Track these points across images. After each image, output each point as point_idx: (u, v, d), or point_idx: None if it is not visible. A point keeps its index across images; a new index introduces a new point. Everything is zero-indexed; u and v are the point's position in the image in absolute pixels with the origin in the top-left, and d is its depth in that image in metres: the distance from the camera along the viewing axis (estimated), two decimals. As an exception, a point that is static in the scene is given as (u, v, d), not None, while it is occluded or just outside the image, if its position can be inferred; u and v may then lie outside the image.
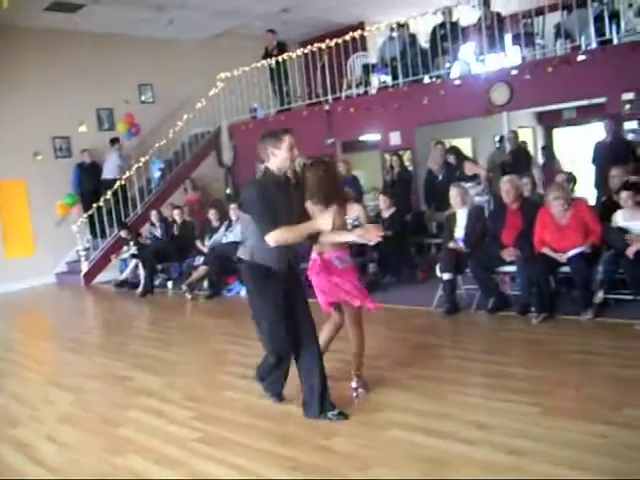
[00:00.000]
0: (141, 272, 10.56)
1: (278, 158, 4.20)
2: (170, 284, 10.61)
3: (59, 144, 13.24)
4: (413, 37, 11.26)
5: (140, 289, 10.37)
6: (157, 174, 13.24)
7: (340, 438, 3.98)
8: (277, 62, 12.52)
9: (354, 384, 4.66)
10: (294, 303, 4.37)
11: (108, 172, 12.98)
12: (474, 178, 9.30)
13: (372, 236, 4.36)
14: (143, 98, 14.43)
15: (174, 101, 13.93)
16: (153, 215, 11.30)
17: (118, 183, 12.36)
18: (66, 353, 7.25)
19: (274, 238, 4.05)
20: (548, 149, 13.92)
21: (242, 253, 4.35)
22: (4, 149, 12.19)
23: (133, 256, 10.87)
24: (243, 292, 9.35)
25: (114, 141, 13.15)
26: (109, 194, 12.28)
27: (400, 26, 11.35)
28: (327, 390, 4.35)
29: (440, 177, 9.62)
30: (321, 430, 4.13)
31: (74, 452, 4.27)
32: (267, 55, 12.91)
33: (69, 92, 12.89)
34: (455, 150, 9.96)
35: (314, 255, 4.77)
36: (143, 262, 10.55)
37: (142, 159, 12.75)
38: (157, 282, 10.78)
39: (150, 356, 6.57)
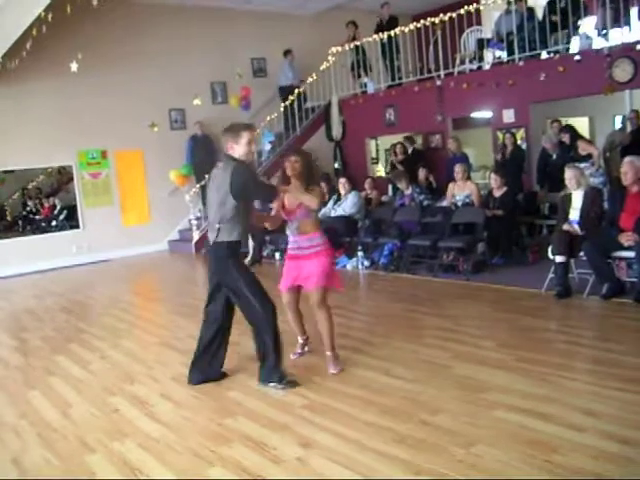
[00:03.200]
0: (250, 242, 10.82)
1: (236, 152, 4.61)
2: (278, 255, 10.81)
3: (174, 116, 13.71)
4: (531, 10, 10.87)
5: (249, 259, 10.62)
6: (268, 147, 13.47)
7: (444, 415, 3.99)
8: (389, 36, 12.42)
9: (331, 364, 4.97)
10: None
11: (282, 80, 13.98)
12: (588, 158, 8.95)
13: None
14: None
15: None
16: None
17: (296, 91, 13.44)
18: (177, 317, 7.57)
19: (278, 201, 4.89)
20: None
21: (222, 236, 4.60)
22: (123, 120, 12.75)
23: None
24: (349, 265, 9.46)
25: (287, 53, 13.91)
26: (290, 98, 13.38)
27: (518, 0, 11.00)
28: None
29: (554, 156, 9.33)
30: (425, 405, 4.15)
31: (187, 411, 4.48)
32: (380, 29, 12.83)
33: (185, 66, 13.28)
34: (570, 129, 9.61)
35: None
36: (252, 233, 10.80)
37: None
38: (265, 252, 11.03)
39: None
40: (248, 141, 4.61)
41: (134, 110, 12.87)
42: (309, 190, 4.93)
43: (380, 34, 12.59)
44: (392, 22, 12.90)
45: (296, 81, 13.76)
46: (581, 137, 9.62)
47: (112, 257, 12.73)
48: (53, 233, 12.55)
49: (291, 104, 13.35)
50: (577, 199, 6.91)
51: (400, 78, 12.74)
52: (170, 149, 13.22)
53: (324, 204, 10.19)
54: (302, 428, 3.99)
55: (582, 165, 8.13)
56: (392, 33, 12.34)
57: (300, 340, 5.50)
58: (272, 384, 4.69)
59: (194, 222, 12.83)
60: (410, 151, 11.82)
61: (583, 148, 9.09)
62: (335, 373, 4.91)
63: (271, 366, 4.70)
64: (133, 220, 13.20)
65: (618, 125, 10.93)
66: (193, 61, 13.38)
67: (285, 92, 13.73)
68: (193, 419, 4.33)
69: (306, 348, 5.52)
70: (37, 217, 12.52)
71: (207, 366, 4.95)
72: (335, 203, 10.19)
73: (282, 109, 13.40)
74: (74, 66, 8.53)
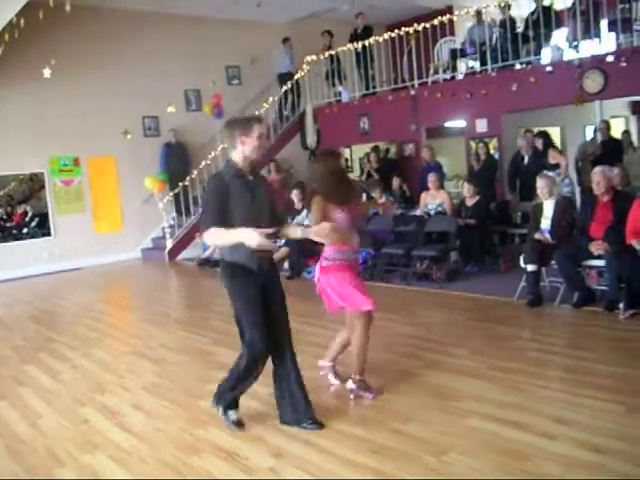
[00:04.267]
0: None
1: (247, 146, 3.91)
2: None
3: (148, 123, 13.62)
4: (503, 22, 10.99)
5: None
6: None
7: (416, 423, 3.99)
8: (363, 46, 12.48)
9: (351, 385, 4.55)
10: (271, 303, 4.12)
11: (281, 67, 14.14)
12: (556, 167, 9.06)
13: (320, 235, 4.07)
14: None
15: (260, 83, 14.10)
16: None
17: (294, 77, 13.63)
18: (150, 325, 7.49)
19: (207, 236, 3.90)
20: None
21: (220, 252, 4.22)
22: (96, 127, 12.62)
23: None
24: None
25: (285, 40, 14.16)
26: (286, 85, 13.64)
27: (486, 12, 11.15)
28: (304, 398, 4.11)
29: (526, 160, 9.44)
30: (397, 414, 4.16)
31: (158, 421, 4.43)
32: (354, 38, 12.90)
33: (159, 73, 13.22)
34: (544, 135, 9.71)
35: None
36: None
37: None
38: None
39: (231, 333, 6.66)
40: (260, 134, 3.94)
41: (107, 117, 12.76)
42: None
43: (355, 43, 12.65)
44: (367, 32, 12.99)
45: (293, 68, 13.83)
46: (553, 145, 9.73)
47: (84, 265, 12.58)
48: (24, 241, 12.37)
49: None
50: (548, 208, 6.98)
51: (374, 87, 12.81)
52: (143, 156, 13.13)
53: (298, 212, 10.19)
54: (274, 438, 3.96)
55: (550, 174, 8.23)
56: (367, 43, 12.41)
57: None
58: (219, 409, 4.23)
59: (167, 230, 12.76)
60: (382, 157, 11.90)
61: (553, 157, 9.21)
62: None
63: (226, 389, 4.21)
64: (105, 228, 13.07)
65: (589, 135, 11.06)
66: (167, 68, 13.32)
67: (284, 79, 13.83)
68: (164, 429, 4.28)
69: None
70: (8, 224, 12.34)
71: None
72: (309, 211, 10.16)
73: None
74: (47, 72, 8.47)
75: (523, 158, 9.61)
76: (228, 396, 4.20)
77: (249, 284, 3.98)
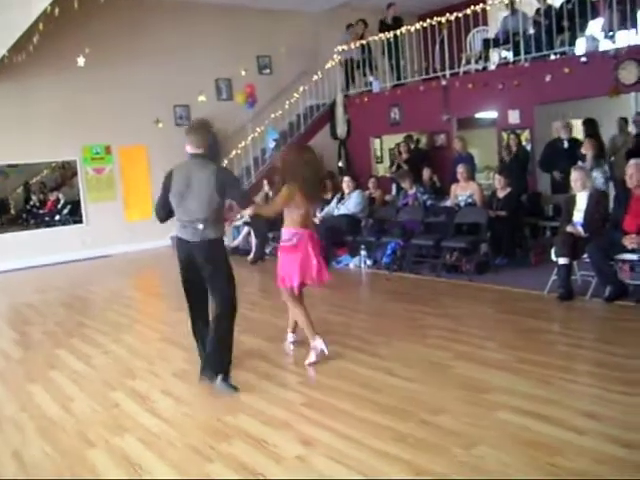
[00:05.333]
0: (253, 240, 10.84)
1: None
2: (280, 252, 10.78)
3: (179, 112, 13.69)
4: (539, 12, 10.83)
5: (251, 256, 10.65)
6: (272, 144, 13.46)
7: (445, 415, 3.98)
8: (395, 35, 12.39)
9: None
10: None
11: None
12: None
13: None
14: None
15: (291, 73, 14.09)
16: (265, 184, 11.51)
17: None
18: (180, 313, 7.49)
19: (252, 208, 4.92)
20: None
21: (210, 233, 4.65)
22: (128, 115, 12.75)
23: (246, 224, 11.13)
24: (352, 264, 9.45)
25: (348, 26, 13.94)
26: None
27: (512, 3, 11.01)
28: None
29: (566, 144, 9.31)
30: (426, 405, 4.14)
31: (188, 407, 4.48)
32: (384, 29, 12.80)
33: (190, 62, 13.24)
34: (590, 124, 9.54)
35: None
36: (255, 230, 10.80)
37: (258, 129, 13.03)
38: (268, 250, 11.01)
39: (259, 321, 6.76)
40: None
41: (139, 106, 12.87)
42: (279, 188, 5.21)
43: (386, 34, 12.55)
44: (396, 22, 12.87)
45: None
46: (591, 135, 9.54)
47: (114, 252, 12.72)
48: (56, 228, 12.55)
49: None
50: (582, 201, 6.89)
51: (405, 77, 12.71)
52: (174, 145, 13.07)
53: (327, 202, 10.19)
54: (303, 426, 3.98)
55: (580, 164, 8.15)
56: (398, 32, 12.31)
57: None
58: (220, 378, 4.69)
59: (197, 218, 12.81)
60: (412, 147, 11.84)
61: (585, 147, 9.06)
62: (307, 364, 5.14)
63: (219, 362, 4.74)
64: (136, 216, 13.18)
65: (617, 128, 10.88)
66: (198, 57, 13.35)
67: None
68: (193, 415, 4.32)
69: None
70: (41, 211, 12.52)
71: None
72: (339, 202, 10.18)
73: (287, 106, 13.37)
74: (81, 61, 8.54)
75: (563, 140, 9.48)
76: (228, 358, 4.73)
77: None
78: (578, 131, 10.26)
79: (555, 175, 9.52)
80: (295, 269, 5.19)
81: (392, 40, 12.50)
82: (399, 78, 12.77)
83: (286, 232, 5.24)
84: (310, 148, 5.69)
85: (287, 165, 5.22)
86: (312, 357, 5.13)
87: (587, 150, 9.00)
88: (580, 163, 8.49)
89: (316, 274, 5.23)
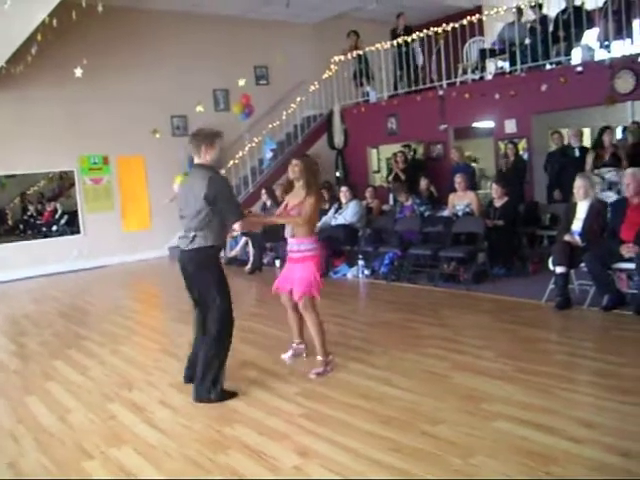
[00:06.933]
0: (250, 250, 10.84)
1: (210, 156, 4.71)
2: (278, 262, 10.79)
3: (177, 122, 13.73)
4: (534, 22, 10.89)
5: (249, 266, 10.65)
6: (269, 155, 13.49)
7: (443, 425, 3.97)
8: (406, 42, 12.35)
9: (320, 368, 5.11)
10: None
11: None
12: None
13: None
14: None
15: (288, 83, 14.13)
16: (263, 194, 11.53)
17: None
18: (178, 324, 7.54)
19: (242, 224, 4.77)
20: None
21: (200, 241, 4.64)
22: (125, 125, 12.79)
23: (243, 234, 11.14)
24: (350, 274, 9.45)
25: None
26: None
27: (519, 11, 11.03)
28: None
29: (577, 152, 9.31)
30: (424, 415, 4.14)
31: (185, 418, 4.46)
32: (396, 38, 12.78)
33: (187, 72, 13.31)
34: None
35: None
36: (253, 240, 10.81)
37: (255, 139, 13.05)
38: (266, 260, 11.02)
39: (257, 331, 6.75)
40: (220, 148, 4.80)
41: (136, 116, 12.90)
42: (306, 195, 5.15)
43: (384, 43, 12.53)
44: (407, 32, 12.80)
45: None
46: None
47: (112, 263, 12.72)
48: (54, 238, 12.56)
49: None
50: (582, 210, 6.88)
51: (410, 86, 12.69)
52: (172, 155, 13.22)
53: (324, 212, 10.20)
54: (300, 437, 3.97)
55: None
56: (409, 39, 12.24)
57: (294, 342, 5.61)
58: (214, 394, 4.69)
59: (195, 229, 12.81)
60: (410, 157, 11.87)
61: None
62: (312, 378, 5.04)
63: (209, 382, 4.68)
64: (134, 226, 13.20)
65: (619, 136, 10.88)
66: (196, 68, 13.40)
67: None
68: (191, 426, 4.31)
69: (304, 355, 5.55)
70: (38, 222, 12.52)
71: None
72: (336, 211, 10.20)
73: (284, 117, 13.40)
74: (78, 71, 8.54)
75: (574, 149, 9.48)
76: (221, 374, 4.71)
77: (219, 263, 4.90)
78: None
79: (556, 195, 9.49)
80: (317, 277, 5.16)
81: (404, 49, 12.47)
82: (410, 85, 12.63)
83: (307, 241, 5.20)
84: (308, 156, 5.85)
85: (313, 173, 5.27)
86: (320, 369, 5.14)
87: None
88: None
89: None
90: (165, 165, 13.12)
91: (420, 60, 12.52)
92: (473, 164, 12.33)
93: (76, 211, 12.75)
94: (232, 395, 4.73)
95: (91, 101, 12.39)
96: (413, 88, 12.55)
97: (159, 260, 13.17)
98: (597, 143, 9.68)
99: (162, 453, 3.90)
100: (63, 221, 12.70)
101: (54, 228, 12.62)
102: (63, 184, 12.73)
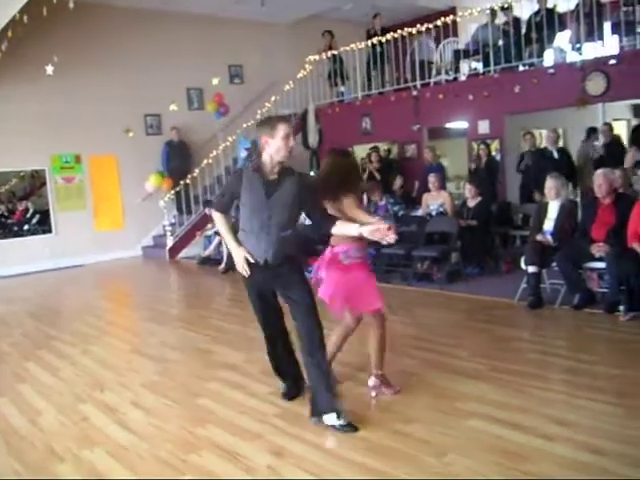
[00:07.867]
0: (224, 249, 10.78)
1: (272, 147, 4.00)
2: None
3: (150, 121, 13.62)
4: (507, 24, 10.97)
5: (222, 266, 10.59)
6: (243, 153, 13.43)
7: (417, 424, 3.98)
8: (380, 43, 12.36)
9: (371, 382, 4.54)
10: (276, 298, 4.38)
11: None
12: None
13: (382, 235, 3.88)
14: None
15: (263, 82, 14.09)
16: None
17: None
18: (150, 323, 7.49)
19: (214, 216, 4.34)
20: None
21: (290, 249, 4.20)
22: (98, 124, 12.63)
23: (217, 233, 11.09)
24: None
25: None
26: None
27: (493, 12, 11.12)
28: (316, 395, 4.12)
29: (555, 154, 9.41)
30: (398, 414, 4.15)
31: (157, 419, 4.42)
32: (370, 37, 12.78)
33: (161, 71, 13.18)
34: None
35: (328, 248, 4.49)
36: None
37: (229, 138, 13.00)
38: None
39: (230, 331, 6.73)
40: (285, 134, 3.99)
41: (109, 115, 12.77)
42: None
43: (374, 40, 12.49)
44: (384, 32, 12.81)
45: None
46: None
47: (85, 262, 12.58)
48: (25, 237, 12.37)
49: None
50: (553, 210, 6.96)
51: (383, 86, 12.73)
52: (145, 154, 13.13)
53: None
54: (274, 437, 3.96)
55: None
56: (383, 39, 12.24)
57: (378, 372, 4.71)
58: (331, 416, 4.03)
59: (168, 228, 12.75)
60: (384, 157, 11.91)
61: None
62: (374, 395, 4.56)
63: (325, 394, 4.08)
64: (106, 225, 13.06)
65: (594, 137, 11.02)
66: (169, 67, 13.28)
67: None
68: (163, 427, 4.27)
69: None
70: (9, 221, 12.34)
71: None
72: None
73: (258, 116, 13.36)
74: (49, 69, 8.45)
75: (551, 152, 9.55)
76: (333, 387, 4.14)
77: (250, 276, 4.23)
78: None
79: (536, 197, 9.49)
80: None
81: (378, 50, 12.48)
82: (384, 86, 12.70)
83: (358, 248, 4.39)
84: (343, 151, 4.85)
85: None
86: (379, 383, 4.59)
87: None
88: None
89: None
90: (138, 164, 13.02)
91: (433, 55, 12.45)
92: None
93: (48, 210, 12.58)
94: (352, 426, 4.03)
95: (63, 99, 12.22)
96: (387, 88, 12.60)
97: (132, 260, 13.07)
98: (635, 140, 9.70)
99: (134, 455, 3.86)
100: (35, 220, 12.53)
101: (25, 227, 12.44)
102: (34, 183, 12.55)
